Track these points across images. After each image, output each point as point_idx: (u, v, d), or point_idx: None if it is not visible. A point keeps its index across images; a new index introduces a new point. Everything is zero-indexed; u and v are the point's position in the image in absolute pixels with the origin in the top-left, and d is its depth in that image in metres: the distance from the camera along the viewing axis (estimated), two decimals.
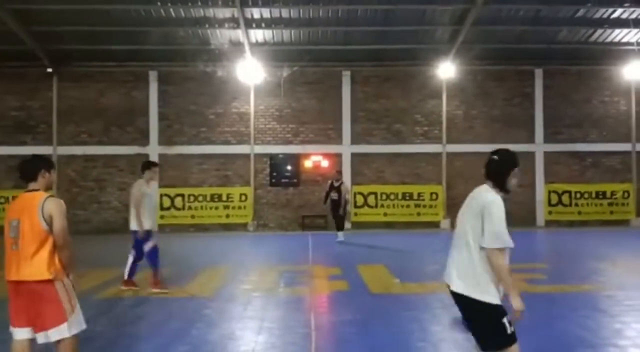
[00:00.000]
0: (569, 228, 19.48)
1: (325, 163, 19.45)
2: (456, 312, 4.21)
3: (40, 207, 4.28)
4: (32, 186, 4.47)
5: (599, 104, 20.25)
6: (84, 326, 4.43)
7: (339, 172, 16.95)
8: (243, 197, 19.43)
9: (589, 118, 20.16)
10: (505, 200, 3.91)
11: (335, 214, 15.81)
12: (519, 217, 17.84)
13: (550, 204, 19.92)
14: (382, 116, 19.82)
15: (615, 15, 17.63)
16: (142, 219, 8.61)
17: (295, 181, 19.57)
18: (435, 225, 19.45)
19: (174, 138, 19.49)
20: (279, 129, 19.76)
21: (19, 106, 19.32)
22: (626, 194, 19.95)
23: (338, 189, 15.67)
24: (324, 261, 12.55)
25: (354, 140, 19.68)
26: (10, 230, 4.33)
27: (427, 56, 19.14)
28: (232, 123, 19.64)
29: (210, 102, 19.58)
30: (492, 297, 3.80)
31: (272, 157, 19.63)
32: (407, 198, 19.64)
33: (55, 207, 4.32)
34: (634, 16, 17.55)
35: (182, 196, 19.33)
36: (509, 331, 3.76)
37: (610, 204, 19.96)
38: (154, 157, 18.52)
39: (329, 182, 16.19)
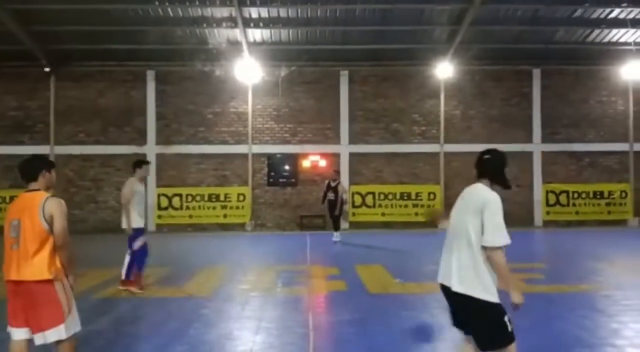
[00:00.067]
0: (567, 228, 19.51)
1: (323, 163, 19.44)
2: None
3: (41, 207, 4.28)
4: (32, 185, 4.46)
5: (597, 104, 20.28)
6: (79, 328, 4.42)
7: (337, 172, 16.94)
8: (241, 197, 19.41)
9: (587, 118, 20.19)
10: (503, 200, 3.94)
11: (332, 214, 15.80)
12: (517, 217, 17.88)
13: (548, 204, 19.94)
14: (380, 116, 19.82)
15: (612, 15, 17.67)
16: (130, 217, 8.66)
17: (293, 180, 19.56)
18: (433, 225, 19.40)
19: (172, 138, 19.47)
20: (276, 128, 19.75)
21: (16, 106, 19.29)
22: (623, 194, 19.99)
23: (335, 189, 15.66)
24: (322, 260, 12.54)
25: (352, 140, 19.68)
26: (10, 230, 4.33)
27: (425, 56, 19.15)
28: (230, 123, 19.63)
29: (208, 101, 19.57)
30: (493, 296, 3.84)
31: (270, 156, 19.61)
32: (405, 198, 19.65)
33: (56, 207, 4.32)
34: (631, 16, 17.59)
35: (180, 195, 19.30)
36: (509, 329, 3.81)
37: (607, 204, 19.99)
38: (151, 157, 18.51)
39: (327, 182, 16.17)
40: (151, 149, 19.19)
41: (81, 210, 18.93)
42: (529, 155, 19.76)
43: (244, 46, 18.15)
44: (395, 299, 8.34)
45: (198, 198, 19.34)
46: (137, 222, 8.74)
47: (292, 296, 8.62)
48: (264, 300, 8.28)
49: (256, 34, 18.31)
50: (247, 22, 17.51)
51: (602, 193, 19.97)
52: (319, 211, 18.25)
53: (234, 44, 18.31)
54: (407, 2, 16.91)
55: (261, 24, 17.71)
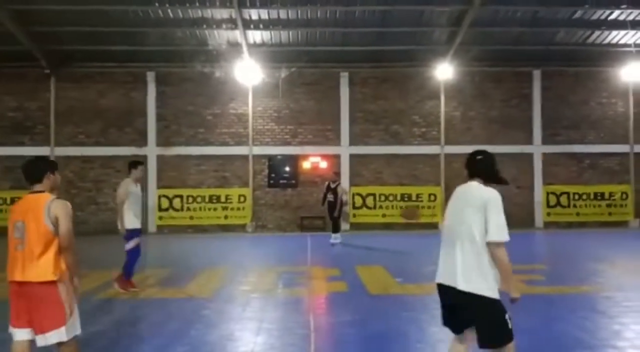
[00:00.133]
0: (568, 229, 19.52)
1: (323, 164, 19.45)
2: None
3: (46, 209, 4.28)
4: (37, 187, 4.46)
5: (597, 106, 20.29)
6: (79, 331, 4.42)
7: (337, 174, 16.94)
8: (241, 198, 19.42)
9: (587, 119, 20.20)
10: (503, 197, 4.04)
11: (332, 215, 15.77)
12: (518, 218, 17.86)
13: (548, 206, 19.94)
14: (380, 117, 19.83)
15: (612, 16, 17.68)
16: (125, 218, 8.66)
17: (293, 182, 19.57)
18: (433, 226, 19.40)
19: (172, 139, 19.48)
20: (277, 130, 19.76)
21: (16, 107, 19.31)
22: (624, 196, 19.99)
23: (334, 191, 15.64)
24: (322, 262, 12.55)
25: (352, 142, 19.69)
26: (15, 231, 4.32)
27: (425, 57, 19.16)
28: (230, 124, 19.64)
29: (208, 103, 19.57)
30: (495, 293, 3.91)
31: (270, 158, 19.62)
32: (406, 199, 19.65)
33: (61, 209, 4.32)
34: (631, 18, 17.61)
35: (181, 197, 19.31)
36: (509, 327, 3.90)
37: (608, 206, 20.00)
38: (151, 158, 18.53)
39: (326, 183, 16.15)
40: (151, 151, 19.19)
41: (82, 211, 18.90)
42: (529, 156, 19.78)
43: (244, 48, 18.16)
44: (395, 300, 8.33)
45: (199, 199, 19.34)
46: (132, 223, 8.74)
47: (292, 297, 8.62)
48: (264, 301, 8.28)
49: (256, 35, 18.32)
50: (247, 24, 17.52)
51: (602, 194, 19.98)
52: (319, 212, 18.24)
53: (234, 46, 18.32)
54: (407, 3, 16.91)
55: (261, 26, 17.72)
